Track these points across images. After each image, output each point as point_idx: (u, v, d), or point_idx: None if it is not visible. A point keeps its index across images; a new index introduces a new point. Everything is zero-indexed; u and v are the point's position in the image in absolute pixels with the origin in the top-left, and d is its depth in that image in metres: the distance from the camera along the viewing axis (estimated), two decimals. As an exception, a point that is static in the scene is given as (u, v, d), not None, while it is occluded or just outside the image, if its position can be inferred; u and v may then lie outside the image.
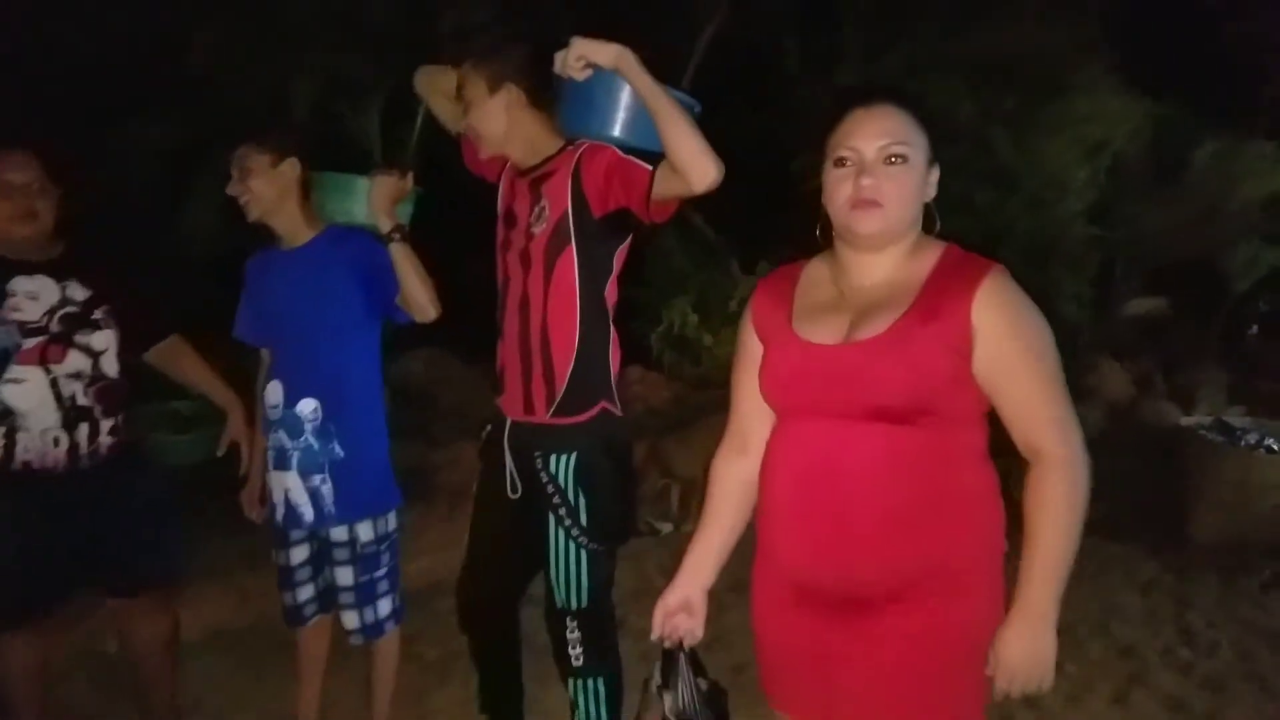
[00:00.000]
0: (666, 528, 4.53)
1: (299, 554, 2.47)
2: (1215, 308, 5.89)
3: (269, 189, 2.34)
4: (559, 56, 1.90)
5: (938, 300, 1.40)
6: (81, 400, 2.30)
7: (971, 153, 4.57)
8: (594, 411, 2.07)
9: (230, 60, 5.37)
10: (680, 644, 1.59)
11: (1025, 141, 4.42)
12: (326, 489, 2.36)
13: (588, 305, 2.04)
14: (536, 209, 2.06)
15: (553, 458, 2.07)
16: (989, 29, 4.97)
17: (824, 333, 1.47)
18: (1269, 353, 6.26)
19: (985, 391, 1.41)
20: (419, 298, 2.27)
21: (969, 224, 4.54)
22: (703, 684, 1.58)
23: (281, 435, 2.37)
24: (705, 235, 6.06)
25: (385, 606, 2.49)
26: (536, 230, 2.05)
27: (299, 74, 5.35)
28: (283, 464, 2.37)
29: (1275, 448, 4.49)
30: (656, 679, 1.58)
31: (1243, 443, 4.52)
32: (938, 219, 1.49)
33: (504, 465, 2.16)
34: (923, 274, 1.44)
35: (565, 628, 2.14)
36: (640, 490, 4.45)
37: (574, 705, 2.18)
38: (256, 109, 5.58)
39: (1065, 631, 3.64)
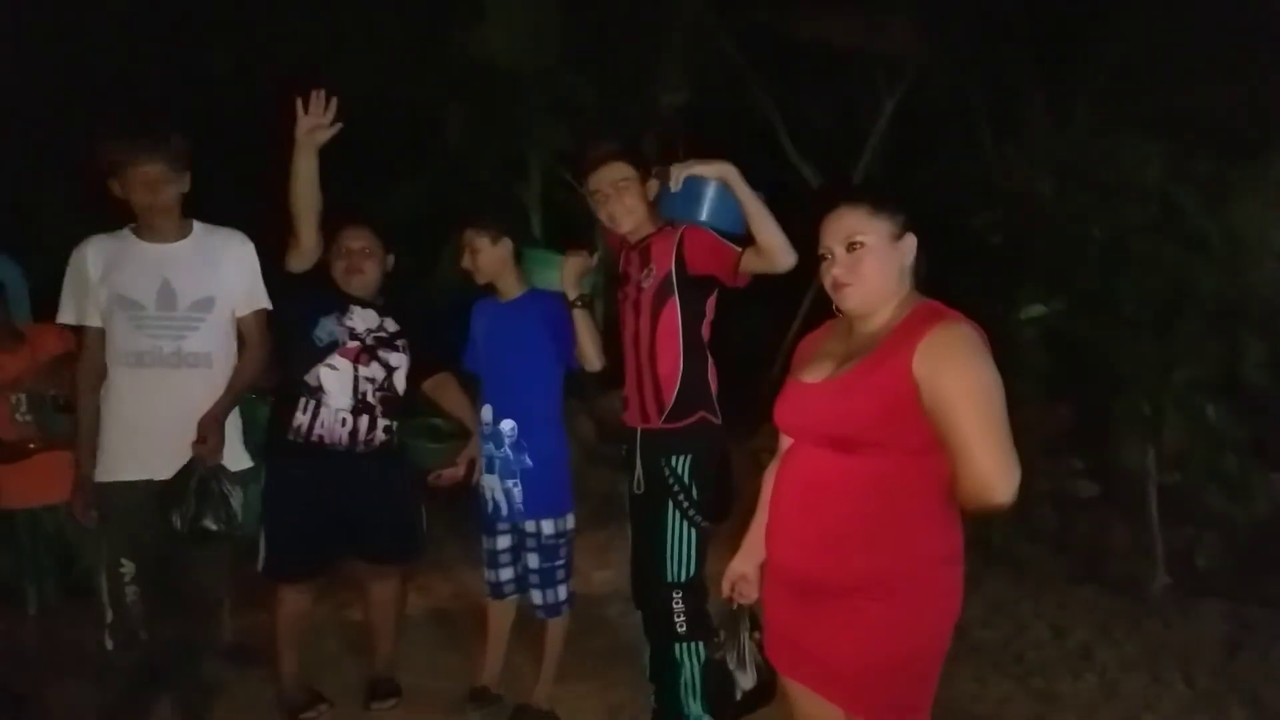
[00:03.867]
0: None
1: (503, 541, 3.14)
2: None
3: (491, 263, 3.06)
4: (676, 171, 2.56)
5: (892, 349, 1.70)
6: (370, 399, 3.04)
7: (1160, 212, 4.51)
8: (694, 419, 2.67)
9: (476, 135, 6.33)
10: (740, 605, 2.05)
11: (1218, 202, 4.30)
12: (517, 490, 3.04)
13: (687, 340, 2.66)
14: (645, 270, 2.71)
15: (674, 458, 2.67)
16: (1187, 87, 4.89)
17: (815, 374, 1.84)
18: None
19: (936, 428, 1.65)
20: (589, 353, 2.97)
21: (1156, 282, 4.47)
22: (757, 635, 2.02)
23: (490, 446, 3.06)
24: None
25: (563, 592, 3.12)
26: (645, 285, 2.70)
27: (531, 149, 6.23)
28: (490, 469, 3.08)
29: None
30: (722, 633, 2.10)
31: None
32: (910, 278, 1.82)
33: (634, 470, 2.73)
34: (894, 327, 1.75)
35: (672, 599, 2.65)
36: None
37: (679, 666, 2.66)
38: (496, 178, 6.53)
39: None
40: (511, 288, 3.11)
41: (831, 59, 6.21)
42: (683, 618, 2.65)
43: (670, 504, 2.65)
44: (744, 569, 2.06)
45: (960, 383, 1.63)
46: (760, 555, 2.02)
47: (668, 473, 2.66)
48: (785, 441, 1.96)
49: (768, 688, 2.04)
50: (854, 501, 1.72)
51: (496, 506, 3.08)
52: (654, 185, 2.76)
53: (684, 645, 2.66)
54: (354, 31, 6.35)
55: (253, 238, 2.83)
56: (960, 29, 5.91)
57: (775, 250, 2.45)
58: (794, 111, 6.63)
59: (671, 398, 2.65)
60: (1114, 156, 4.76)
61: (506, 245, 3.07)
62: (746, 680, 2.03)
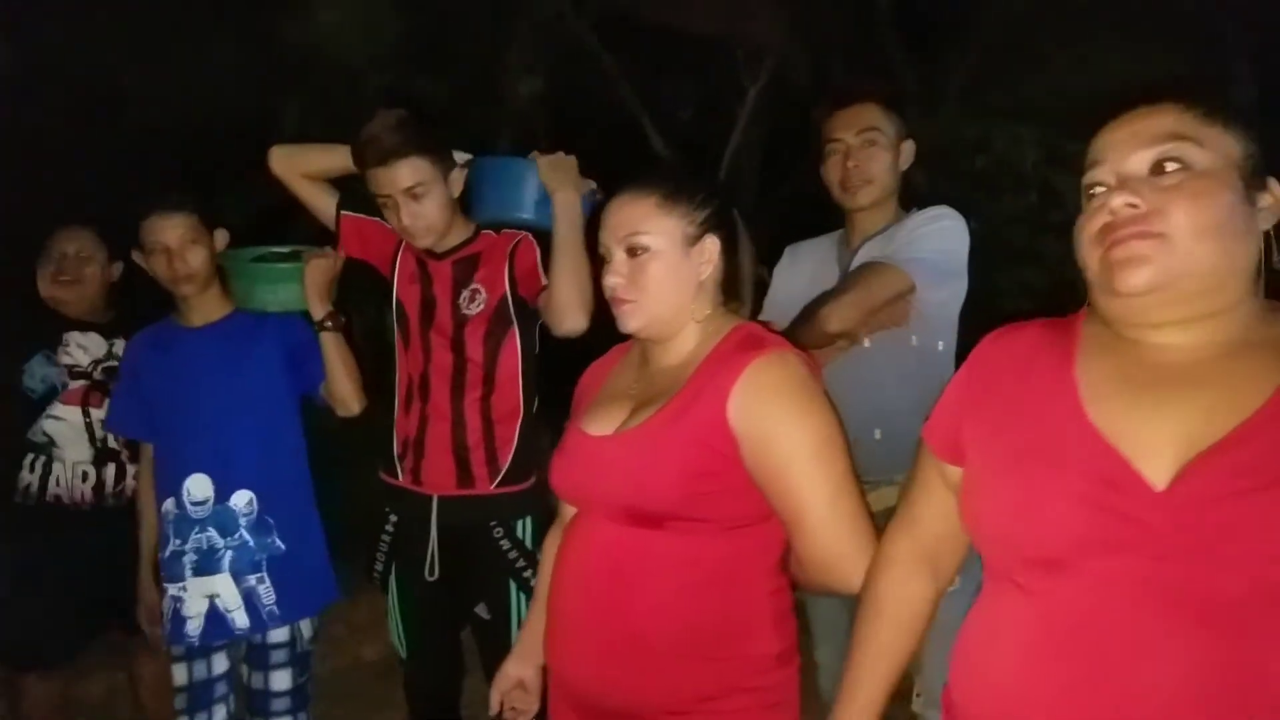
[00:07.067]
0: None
1: (220, 664, 2.26)
2: None
3: (206, 266, 2.20)
4: (548, 162, 2.06)
5: (700, 391, 1.25)
6: (113, 443, 2.46)
7: (1040, 202, 4.30)
8: (532, 479, 2.15)
9: (310, 133, 5.70)
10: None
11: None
12: (264, 589, 2.19)
13: (527, 381, 2.15)
14: (466, 291, 2.11)
15: (516, 523, 2.15)
16: (1064, 68, 4.69)
17: (601, 422, 1.36)
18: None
19: (764, 492, 1.23)
20: (344, 391, 2.20)
21: (1036, 274, 4.27)
22: None
23: (212, 534, 2.17)
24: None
25: (307, 716, 2.33)
26: (471, 311, 2.10)
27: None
28: (209, 568, 2.17)
29: None
30: None
31: None
32: (717, 293, 1.37)
33: (424, 549, 2.15)
34: (700, 360, 1.30)
35: None
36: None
37: None
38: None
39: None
40: (212, 306, 2.25)
41: (695, 47, 5.91)
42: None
43: (512, 581, 2.14)
44: (520, 674, 1.58)
45: (791, 439, 1.20)
46: (540, 657, 1.54)
47: (507, 544, 2.14)
48: (567, 507, 1.47)
49: None
50: (664, 595, 1.25)
51: (218, 619, 2.17)
52: (459, 178, 2.10)
53: None
54: (168, 25, 5.65)
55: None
56: (826, 14, 5.65)
57: (563, 306, 2.00)
58: (658, 101, 6.29)
59: (509, 455, 2.12)
60: (988, 143, 4.53)
61: (223, 238, 2.24)
62: None
